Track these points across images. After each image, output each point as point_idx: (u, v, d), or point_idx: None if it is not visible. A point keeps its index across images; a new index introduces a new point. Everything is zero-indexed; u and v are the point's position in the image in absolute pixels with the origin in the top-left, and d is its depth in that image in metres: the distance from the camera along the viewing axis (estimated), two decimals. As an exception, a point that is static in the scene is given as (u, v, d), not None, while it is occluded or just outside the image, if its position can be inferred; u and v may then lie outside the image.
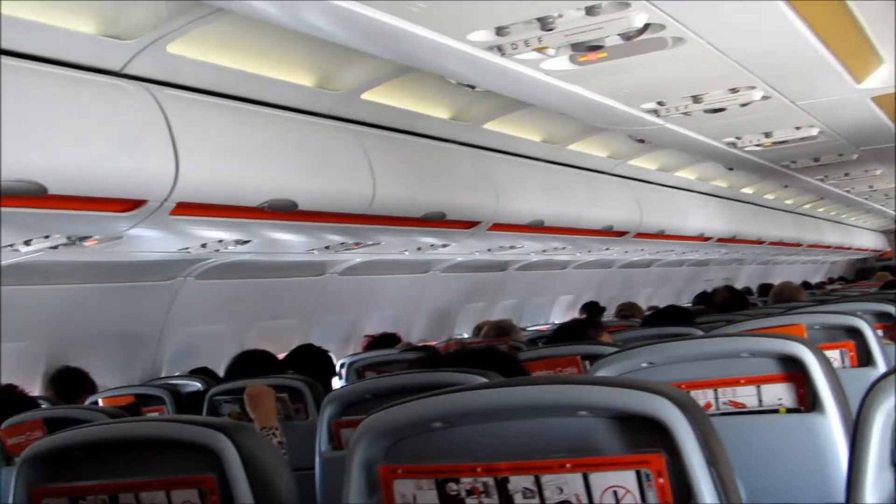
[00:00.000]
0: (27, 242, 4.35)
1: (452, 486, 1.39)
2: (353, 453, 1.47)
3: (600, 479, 1.33)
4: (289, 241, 5.72)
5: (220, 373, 5.62)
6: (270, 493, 1.57)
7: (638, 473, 1.33)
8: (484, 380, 2.18)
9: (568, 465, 1.34)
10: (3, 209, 3.53)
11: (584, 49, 3.56)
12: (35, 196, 3.50)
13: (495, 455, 1.40)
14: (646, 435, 1.35)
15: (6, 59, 3.46)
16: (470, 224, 6.41)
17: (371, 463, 1.47)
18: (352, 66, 4.97)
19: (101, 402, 4.84)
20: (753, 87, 4.52)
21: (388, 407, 1.46)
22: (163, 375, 6.08)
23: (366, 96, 5.24)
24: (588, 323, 5.11)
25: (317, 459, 2.64)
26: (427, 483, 1.41)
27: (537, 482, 1.35)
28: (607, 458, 1.34)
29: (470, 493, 1.38)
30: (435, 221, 5.91)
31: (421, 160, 5.78)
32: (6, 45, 3.49)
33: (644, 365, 2.15)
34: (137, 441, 1.66)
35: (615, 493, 1.33)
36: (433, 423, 1.44)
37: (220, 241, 5.19)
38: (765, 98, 4.72)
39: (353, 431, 2.62)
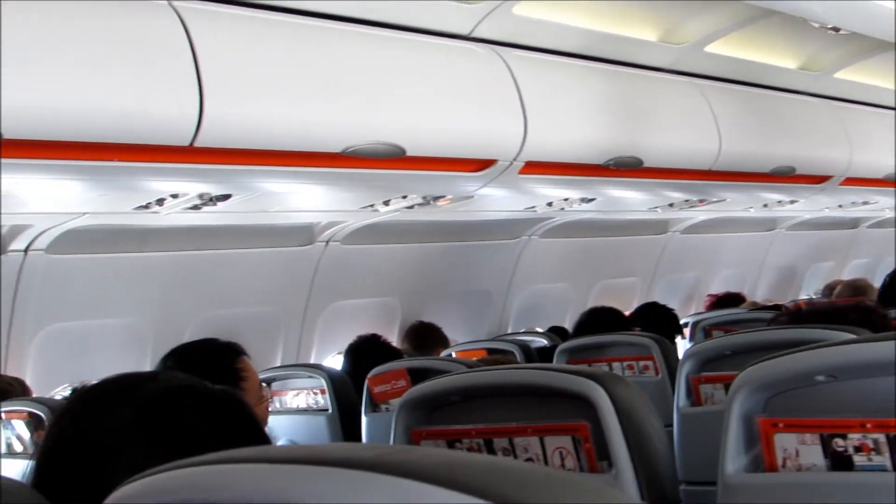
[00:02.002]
0: (386, 203, 4.60)
1: (839, 441, 1.35)
2: (731, 405, 1.45)
3: None
4: (632, 198, 5.71)
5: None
6: (643, 442, 1.58)
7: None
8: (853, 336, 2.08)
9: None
10: (365, 171, 3.75)
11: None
12: (394, 158, 3.69)
13: (882, 411, 1.34)
14: None
15: (367, 29, 3.66)
16: (820, 179, 6.14)
17: (749, 416, 1.44)
18: (695, 19, 4.87)
19: (454, 356, 5.04)
20: None
21: (768, 359, 1.43)
22: (509, 332, 6.25)
23: (710, 48, 5.12)
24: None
25: (675, 415, 2.62)
26: (811, 437, 1.37)
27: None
28: None
29: (858, 449, 1.33)
30: (783, 177, 5.70)
31: (768, 113, 5.59)
32: (369, 16, 3.69)
33: None
34: (513, 388, 1.71)
35: None
36: (816, 377, 1.39)
37: (566, 199, 5.26)
38: None
39: (711, 387, 2.61)
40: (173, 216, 4.12)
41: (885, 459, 1.31)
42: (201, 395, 1.41)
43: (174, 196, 3.81)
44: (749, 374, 1.45)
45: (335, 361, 5.17)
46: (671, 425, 2.72)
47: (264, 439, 1.51)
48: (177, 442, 1.30)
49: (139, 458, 1.18)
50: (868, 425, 1.32)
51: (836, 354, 1.36)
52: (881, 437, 1.31)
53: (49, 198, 3.75)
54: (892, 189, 6.93)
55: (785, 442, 1.40)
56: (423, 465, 0.58)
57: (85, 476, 1.27)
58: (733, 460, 1.44)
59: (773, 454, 1.41)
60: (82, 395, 1.43)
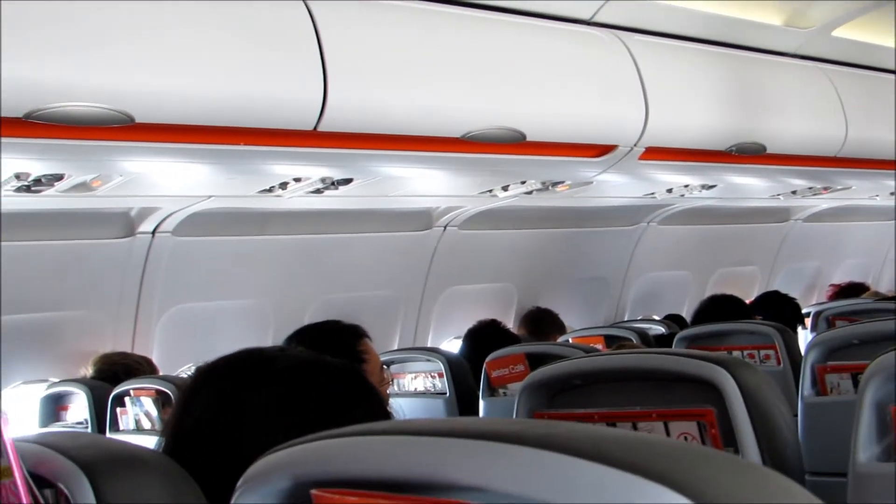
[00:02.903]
0: (505, 188, 4.61)
1: (977, 433, 1.31)
2: (863, 393, 1.43)
3: None
4: (754, 185, 5.61)
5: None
6: (770, 429, 1.56)
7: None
8: None
9: None
10: (485, 156, 3.76)
11: None
12: (514, 143, 3.69)
13: None
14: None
15: (488, 14, 3.66)
16: (952, 166, 5.94)
17: (883, 405, 1.42)
18: (822, 2, 4.76)
19: (570, 342, 5.03)
20: None
21: (901, 343, 1.41)
22: (626, 319, 6.21)
23: (836, 33, 5.00)
24: None
25: (799, 404, 2.58)
26: (947, 428, 1.34)
27: None
28: None
29: None
30: (912, 163, 5.54)
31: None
32: (490, 2, 3.69)
33: None
34: (637, 372, 1.71)
35: None
36: (954, 366, 1.36)
37: (686, 186, 5.20)
38: None
39: (837, 377, 2.56)
40: (295, 200, 4.19)
41: None
42: (330, 369, 1.44)
43: (297, 180, 3.87)
44: (883, 362, 1.42)
45: (451, 346, 5.21)
46: (795, 416, 2.68)
47: (388, 414, 1.54)
48: (311, 415, 1.34)
49: (279, 431, 1.21)
50: None
51: (977, 343, 1.33)
52: None
53: (177, 181, 3.85)
54: None
55: (919, 432, 1.37)
56: (569, 438, 0.59)
57: (223, 451, 1.30)
58: (865, 449, 1.42)
59: (908, 444, 1.38)
60: (213, 372, 1.46)
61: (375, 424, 0.73)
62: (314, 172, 3.81)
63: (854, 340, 2.49)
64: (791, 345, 3.55)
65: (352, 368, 1.48)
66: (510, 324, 5.71)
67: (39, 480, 1.10)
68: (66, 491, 1.05)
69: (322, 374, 1.42)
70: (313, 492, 0.71)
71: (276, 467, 0.77)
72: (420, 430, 0.68)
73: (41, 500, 1.11)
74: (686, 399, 1.68)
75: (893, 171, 5.72)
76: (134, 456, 1.08)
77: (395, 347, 5.13)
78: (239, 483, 0.80)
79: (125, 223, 4.28)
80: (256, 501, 0.78)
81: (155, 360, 4.30)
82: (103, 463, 1.04)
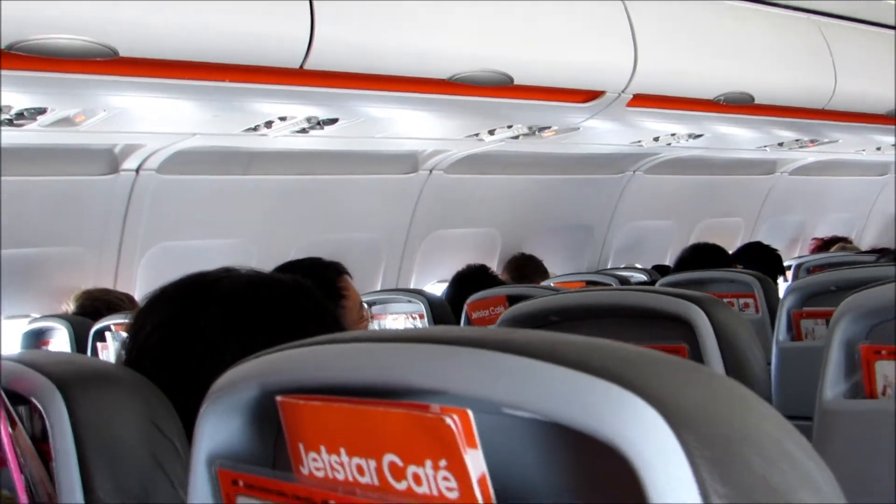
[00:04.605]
0: (491, 132, 4.60)
1: (944, 371, 1.33)
2: (833, 332, 1.44)
3: None
4: (741, 136, 5.61)
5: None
6: (741, 368, 1.58)
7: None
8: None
9: None
10: (472, 98, 3.75)
11: None
12: (502, 86, 3.68)
13: None
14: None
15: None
16: (941, 123, 5.95)
17: (852, 343, 1.43)
18: (815, -48, 4.75)
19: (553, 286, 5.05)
20: None
21: (875, 286, 1.42)
22: (609, 267, 6.24)
23: (829, -16, 4.99)
24: None
25: (773, 349, 2.60)
26: (914, 366, 1.36)
27: None
28: None
29: (963, 379, 1.32)
30: (901, 119, 5.55)
31: (886, 52, 5.41)
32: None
33: None
34: (614, 308, 1.72)
35: None
36: (924, 305, 1.38)
37: (673, 134, 5.20)
38: None
39: (813, 322, 2.58)
40: (281, 139, 4.18)
41: None
42: (278, 287, 1.45)
43: (282, 119, 3.86)
44: (854, 301, 1.44)
45: (434, 289, 5.23)
46: (770, 363, 2.70)
47: (343, 327, 1.54)
48: (260, 333, 1.35)
49: (227, 351, 1.22)
50: (975, 355, 1.31)
51: (945, 283, 1.34)
52: None
53: (161, 118, 3.83)
54: None
55: (886, 370, 1.39)
56: (527, 342, 0.60)
57: (172, 374, 1.30)
58: (832, 386, 1.44)
59: (874, 382, 1.40)
60: (161, 298, 1.46)
61: (340, 334, 0.74)
62: (299, 111, 3.80)
63: (831, 287, 2.50)
64: (770, 294, 3.57)
65: (303, 286, 1.48)
66: (494, 269, 5.72)
67: (15, 398, 1.11)
68: (39, 406, 1.05)
69: (269, 292, 1.43)
70: (279, 398, 0.72)
71: (243, 378, 0.78)
72: (382, 338, 0.69)
73: (15, 417, 1.12)
74: (661, 336, 1.69)
75: (881, 126, 5.72)
76: (107, 372, 1.08)
77: (378, 289, 5.15)
78: (208, 394, 0.81)
79: (109, 160, 4.27)
80: (225, 411, 0.80)
81: (137, 298, 4.31)
82: (76, 378, 1.04)
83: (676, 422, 0.53)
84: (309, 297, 1.48)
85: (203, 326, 1.37)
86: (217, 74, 3.10)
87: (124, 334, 3.42)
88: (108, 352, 3.45)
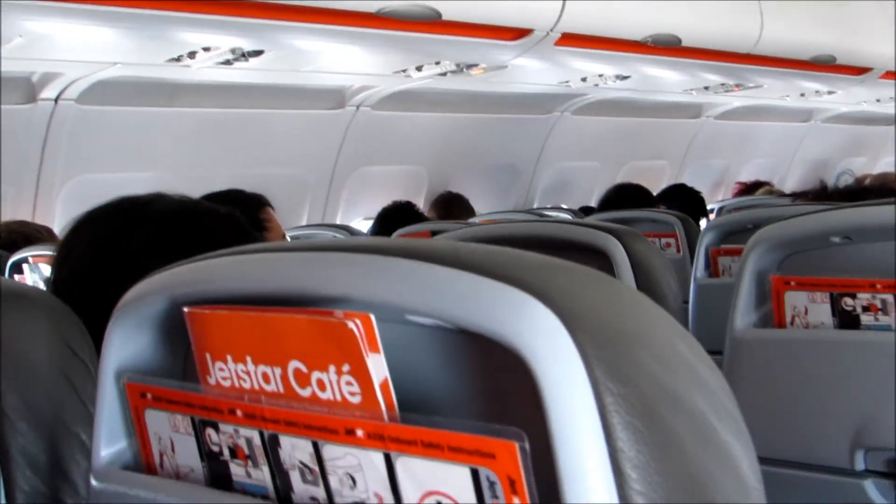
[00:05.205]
0: (419, 69, 4.58)
1: (848, 301, 1.37)
2: (745, 263, 1.47)
3: None
4: (667, 79, 5.65)
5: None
6: (657, 298, 1.60)
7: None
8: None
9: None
10: (399, 33, 3.72)
11: None
12: (430, 21, 3.66)
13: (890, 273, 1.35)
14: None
15: None
16: (860, 70, 6.05)
17: (763, 274, 1.46)
18: None
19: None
20: None
21: (787, 219, 1.45)
22: (535, 207, 6.27)
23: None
24: None
25: (692, 286, 2.65)
26: (821, 296, 1.39)
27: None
28: None
29: (866, 309, 1.35)
30: (823, 66, 5.63)
31: (813, -2, 5.49)
32: None
33: None
34: (531, 240, 1.73)
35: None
36: (832, 238, 1.40)
37: (600, 75, 5.22)
38: None
39: (731, 259, 2.62)
40: (205, 71, 4.11)
41: (890, 319, 1.33)
42: (207, 213, 1.46)
43: (206, 49, 3.80)
44: (765, 233, 1.46)
45: (361, 226, 5.22)
46: (688, 302, 2.75)
47: None
48: (187, 256, 1.34)
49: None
50: (878, 286, 1.34)
51: (852, 215, 1.37)
52: (889, 298, 1.33)
53: (81, 46, 3.74)
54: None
55: (795, 300, 1.42)
56: (430, 250, 0.60)
57: (99, 294, 1.29)
58: (743, 317, 1.47)
59: (783, 311, 1.43)
60: (90, 219, 1.46)
61: (247, 246, 0.74)
62: (224, 42, 3.74)
63: (748, 225, 2.54)
64: (692, 234, 3.61)
65: (232, 214, 1.49)
66: (420, 207, 5.72)
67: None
68: (-52, 325, 1.04)
69: (198, 216, 1.43)
70: (185, 309, 0.72)
71: (150, 290, 0.78)
72: (288, 248, 0.69)
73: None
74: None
75: (805, 73, 5.81)
76: (20, 292, 1.07)
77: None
78: (115, 308, 0.81)
79: (26, 89, 4.16)
80: (133, 325, 0.79)
81: (56, 231, 4.23)
82: (-14, 296, 1.03)
83: (572, 323, 0.54)
84: (236, 224, 1.48)
85: (135, 246, 1.36)
86: (139, 1, 3.04)
87: (42, 266, 3.38)
88: (26, 283, 3.39)
